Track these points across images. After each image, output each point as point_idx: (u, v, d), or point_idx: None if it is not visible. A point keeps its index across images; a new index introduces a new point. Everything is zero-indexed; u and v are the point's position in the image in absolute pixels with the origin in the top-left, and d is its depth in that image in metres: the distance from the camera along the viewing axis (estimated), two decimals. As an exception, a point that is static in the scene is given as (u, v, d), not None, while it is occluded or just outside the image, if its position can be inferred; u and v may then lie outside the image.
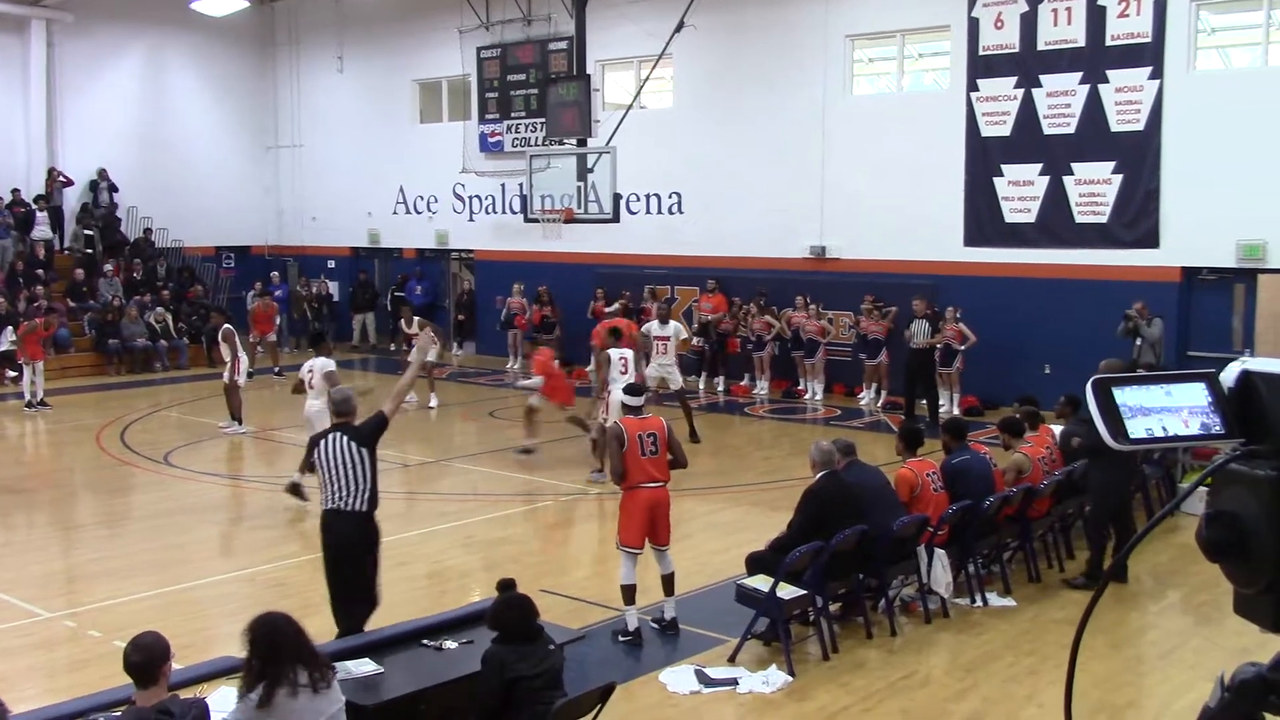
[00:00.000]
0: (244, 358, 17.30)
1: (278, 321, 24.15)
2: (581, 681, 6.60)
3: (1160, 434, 1.88)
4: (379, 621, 7.62)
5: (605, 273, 22.71)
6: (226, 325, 17.29)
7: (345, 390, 8.21)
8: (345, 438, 7.58)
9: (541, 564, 10.61)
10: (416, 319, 19.29)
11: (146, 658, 4.83)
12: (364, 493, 7.53)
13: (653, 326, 16.82)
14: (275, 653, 4.92)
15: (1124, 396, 1.88)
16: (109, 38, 26.21)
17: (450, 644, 6.87)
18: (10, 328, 21.26)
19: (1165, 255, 17.01)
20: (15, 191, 24.91)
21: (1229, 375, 1.93)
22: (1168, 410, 1.89)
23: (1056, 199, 17.83)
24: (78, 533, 12.28)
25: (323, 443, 7.64)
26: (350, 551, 7.58)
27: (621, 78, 23.33)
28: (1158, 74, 16.82)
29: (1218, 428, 1.90)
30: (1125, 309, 16.21)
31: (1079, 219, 17.67)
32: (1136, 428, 1.86)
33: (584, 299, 22.63)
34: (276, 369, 22.68)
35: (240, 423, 17.02)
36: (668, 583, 8.68)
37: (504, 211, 24.72)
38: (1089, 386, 1.89)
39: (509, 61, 24.18)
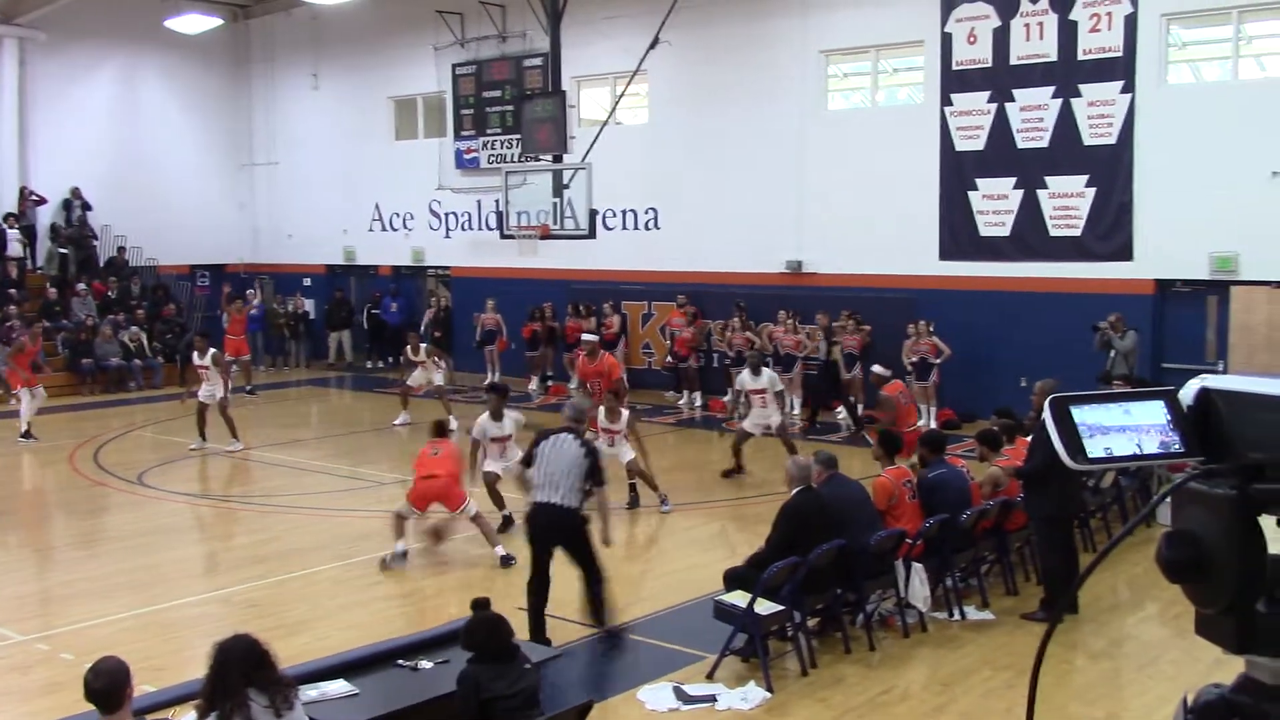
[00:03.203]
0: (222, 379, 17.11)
1: (250, 332, 23.91)
2: (559, 700, 6.56)
3: (1119, 453, 1.86)
4: (353, 642, 7.55)
5: (581, 289, 22.69)
6: (214, 349, 17.15)
7: (583, 404, 9.82)
8: (577, 441, 8.57)
9: (515, 582, 10.54)
10: (424, 346, 19.16)
11: (109, 684, 4.80)
12: (573, 490, 8.39)
13: (745, 380, 15.07)
14: (223, 680, 4.93)
15: (1083, 415, 1.85)
16: (82, 56, 26.07)
17: (426, 664, 6.83)
18: None
19: (1139, 268, 17.12)
20: (-13, 210, 24.77)
21: (1188, 393, 1.90)
22: (1127, 429, 1.87)
23: (1030, 212, 17.92)
24: (51, 554, 12.17)
25: (552, 438, 8.54)
26: (546, 537, 8.55)
27: (597, 94, 23.36)
28: (1129, 88, 16.94)
29: (1177, 446, 1.86)
30: (1098, 321, 16.30)
31: (1053, 232, 17.77)
32: (1095, 447, 1.84)
33: (559, 315, 22.65)
34: (249, 387, 22.53)
35: (238, 439, 16.86)
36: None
37: (480, 228, 24.69)
38: (1046, 406, 1.87)
39: (484, 78, 24.17)
